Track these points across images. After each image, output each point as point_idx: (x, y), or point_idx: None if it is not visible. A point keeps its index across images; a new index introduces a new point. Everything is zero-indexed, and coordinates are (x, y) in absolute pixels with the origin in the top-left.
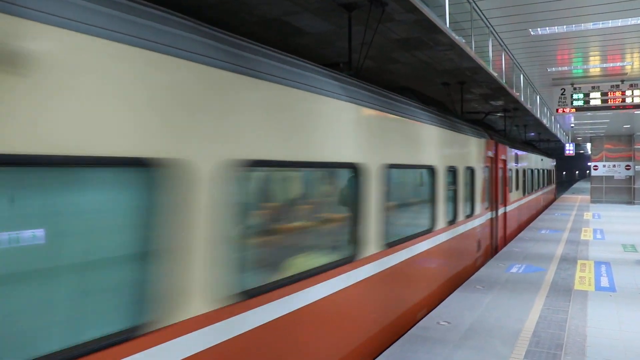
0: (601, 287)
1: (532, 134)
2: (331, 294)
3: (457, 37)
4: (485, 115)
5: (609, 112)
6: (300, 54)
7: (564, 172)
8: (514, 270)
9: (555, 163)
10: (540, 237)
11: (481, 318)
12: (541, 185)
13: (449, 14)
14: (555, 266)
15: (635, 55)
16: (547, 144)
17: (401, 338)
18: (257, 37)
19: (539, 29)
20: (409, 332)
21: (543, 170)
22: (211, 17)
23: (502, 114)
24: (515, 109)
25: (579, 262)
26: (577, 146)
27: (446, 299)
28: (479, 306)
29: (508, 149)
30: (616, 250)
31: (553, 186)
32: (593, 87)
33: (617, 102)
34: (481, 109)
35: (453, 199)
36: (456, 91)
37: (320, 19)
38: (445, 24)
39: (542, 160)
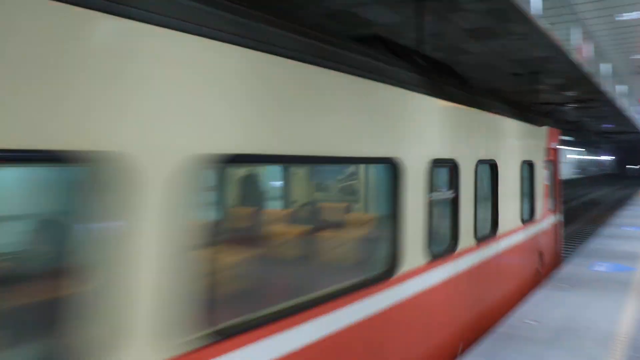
0: None
1: (607, 125)
2: None
3: (542, 25)
4: (556, 106)
5: None
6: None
7: (638, 166)
8: (598, 268)
9: (549, 144)
10: (622, 234)
11: (570, 317)
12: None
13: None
14: None
15: None
16: (619, 136)
17: (490, 335)
18: (325, 29)
19: (624, 14)
20: (497, 330)
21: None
22: (279, 10)
23: (576, 105)
24: (590, 99)
25: None
26: None
27: (530, 297)
28: (565, 305)
29: None
30: None
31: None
32: None
33: None
34: (552, 100)
35: None
36: (527, 82)
37: (389, 10)
38: (529, 10)
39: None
